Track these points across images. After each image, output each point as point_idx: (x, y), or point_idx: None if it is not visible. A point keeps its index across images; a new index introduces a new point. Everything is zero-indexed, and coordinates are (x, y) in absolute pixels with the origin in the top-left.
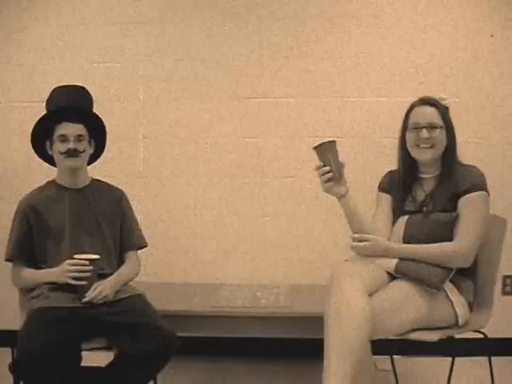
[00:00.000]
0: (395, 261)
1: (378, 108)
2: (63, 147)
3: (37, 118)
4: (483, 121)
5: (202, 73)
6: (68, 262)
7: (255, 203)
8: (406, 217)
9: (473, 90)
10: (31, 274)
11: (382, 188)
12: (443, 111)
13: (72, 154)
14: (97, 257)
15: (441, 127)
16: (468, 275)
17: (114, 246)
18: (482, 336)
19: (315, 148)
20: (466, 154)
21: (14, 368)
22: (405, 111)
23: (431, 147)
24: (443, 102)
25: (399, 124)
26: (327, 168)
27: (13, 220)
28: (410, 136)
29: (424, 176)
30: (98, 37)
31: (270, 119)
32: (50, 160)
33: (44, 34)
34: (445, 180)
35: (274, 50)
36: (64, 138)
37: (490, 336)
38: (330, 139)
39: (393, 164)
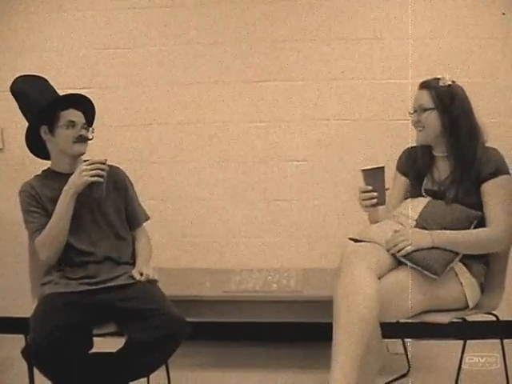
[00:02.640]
0: None
1: (391, 90)
2: (74, 133)
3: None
4: (495, 101)
5: (213, 56)
6: (83, 164)
7: (266, 188)
8: (428, 199)
9: (484, 69)
10: (54, 215)
11: (398, 168)
12: (438, 92)
13: (83, 140)
14: (106, 159)
15: (430, 109)
16: (480, 258)
17: (122, 225)
18: (493, 318)
19: (365, 171)
20: None
21: (26, 353)
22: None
23: (422, 130)
24: (442, 82)
25: (407, 106)
26: (375, 194)
27: (21, 205)
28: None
29: (437, 154)
30: (104, 22)
31: (281, 102)
32: (37, 150)
33: (49, 19)
34: (460, 162)
35: (285, 33)
36: (73, 124)
37: (501, 318)
38: (380, 165)
39: (402, 146)
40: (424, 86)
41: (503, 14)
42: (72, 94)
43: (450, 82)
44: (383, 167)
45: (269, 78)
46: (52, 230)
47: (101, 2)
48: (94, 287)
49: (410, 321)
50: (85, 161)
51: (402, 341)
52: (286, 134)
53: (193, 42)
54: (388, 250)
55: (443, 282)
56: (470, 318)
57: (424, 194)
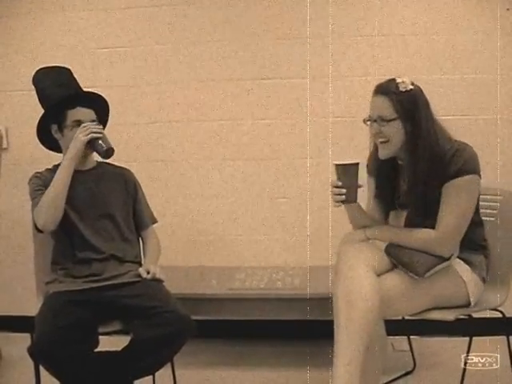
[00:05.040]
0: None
1: None
2: None
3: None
4: (499, 97)
5: (218, 54)
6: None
7: (270, 185)
8: (404, 212)
9: (487, 65)
10: (53, 181)
11: (370, 171)
12: (399, 99)
13: None
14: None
15: (393, 119)
16: (478, 250)
17: (127, 226)
18: (499, 315)
19: (337, 166)
20: (477, 131)
21: (32, 352)
22: None
23: (387, 142)
24: (402, 87)
25: None
26: (343, 190)
27: (30, 189)
28: (369, 128)
29: (400, 162)
30: (106, 21)
31: (285, 100)
32: (50, 144)
33: (50, 19)
34: (421, 168)
35: (285, 30)
36: (79, 124)
37: (507, 315)
38: (354, 161)
39: None
40: (381, 91)
41: (507, 9)
42: (78, 92)
43: (411, 86)
44: (357, 164)
45: (275, 75)
46: (50, 194)
47: (102, 1)
48: (99, 284)
49: (415, 318)
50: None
51: (408, 338)
52: (292, 131)
53: (197, 40)
54: None
55: (445, 280)
56: (475, 315)
57: (398, 208)
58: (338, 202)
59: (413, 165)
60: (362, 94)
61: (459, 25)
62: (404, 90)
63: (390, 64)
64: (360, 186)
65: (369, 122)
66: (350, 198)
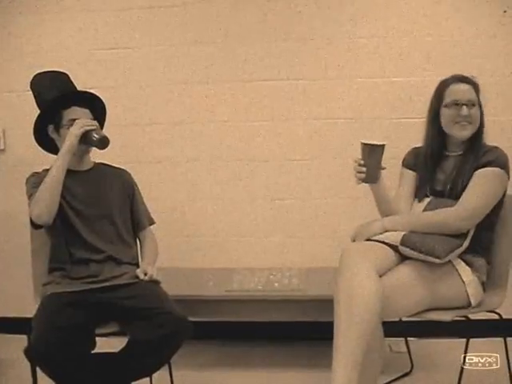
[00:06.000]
0: (402, 233)
1: (389, 89)
2: None
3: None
4: (498, 99)
5: (215, 55)
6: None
7: (268, 186)
8: (429, 198)
9: (485, 67)
10: (49, 172)
11: (407, 164)
12: (477, 89)
13: None
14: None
15: (476, 105)
16: (482, 254)
17: (125, 227)
18: (496, 316)
19: (363, 145)
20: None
21: (29, 354)
22: (434, 89)
23: (470, 124)
24: (475, 79)
25: (409, 104)
26: (363, 169)
27: (27, 188)
28: (448, 113)
29: (450, 154)
30: (105, 22)
31: (283, 101)
32: (47, 145)
33: (48, 20)
34: (468, 158)
35: (282, 32)
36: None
37: (505, 317)
38: (380, 143)
39: (403, 144)
40: (464, 80)
41: (504, 11)
42: (73, 92)
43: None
44: (383, 145)
45: (271, 76)
46: (45, 186)
47: (99, 2)
48: (96, 286)
49: (412, 319)
50: None
51: (405, 339)
52: (289, 132)
53: (196, 41)
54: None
55: (445, 280)
56: (472, 317)
57: (429, 194)
58: (359, 180)
59: (469, 153)
60: (360, 96)
61: (459, 26)
62: (477, 82)
63: (390, 66)
64: (383, 168)
65: (453, 107)
66: (371, 178)
